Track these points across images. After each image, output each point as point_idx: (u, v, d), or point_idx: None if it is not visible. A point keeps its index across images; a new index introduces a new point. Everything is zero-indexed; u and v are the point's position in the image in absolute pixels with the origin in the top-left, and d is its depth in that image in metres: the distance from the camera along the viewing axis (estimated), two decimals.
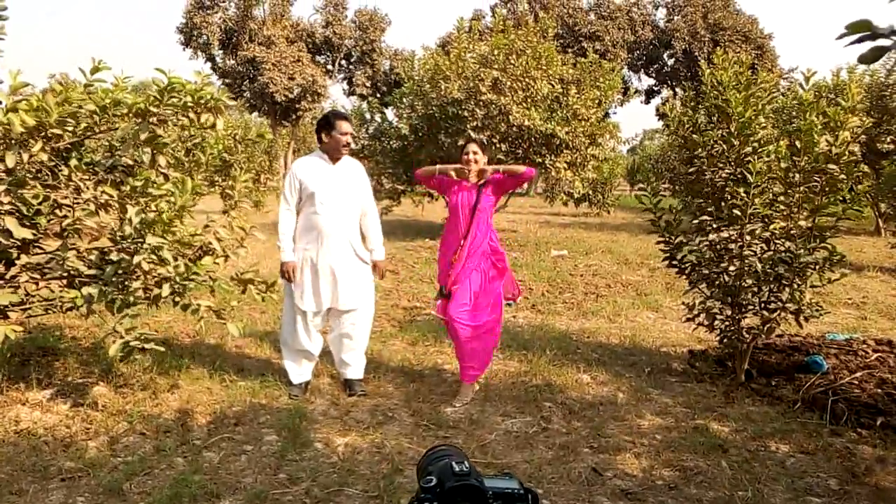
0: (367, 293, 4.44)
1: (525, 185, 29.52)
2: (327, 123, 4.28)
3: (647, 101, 41.74)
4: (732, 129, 4.54)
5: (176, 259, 3.89)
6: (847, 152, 4.38)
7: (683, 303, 4.87)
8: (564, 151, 13.00)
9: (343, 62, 40.71)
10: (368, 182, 4.56)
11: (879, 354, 4.67)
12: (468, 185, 4.37)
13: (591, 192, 18.58)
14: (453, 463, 0.96)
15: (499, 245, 4.42)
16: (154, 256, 3.78)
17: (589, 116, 12.96)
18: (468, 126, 12.04)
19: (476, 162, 4.33)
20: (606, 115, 15.80)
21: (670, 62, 39.61)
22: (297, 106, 36.44)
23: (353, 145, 4.36)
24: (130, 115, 3.99)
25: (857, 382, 4.26)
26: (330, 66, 40.17)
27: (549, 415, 4.10)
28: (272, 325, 5.93)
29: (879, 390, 4.16)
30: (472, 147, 4.38)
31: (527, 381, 4.66)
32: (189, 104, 4.05)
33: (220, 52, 37.62)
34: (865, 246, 12.64)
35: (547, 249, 11.52)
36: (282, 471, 3.30)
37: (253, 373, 4.65)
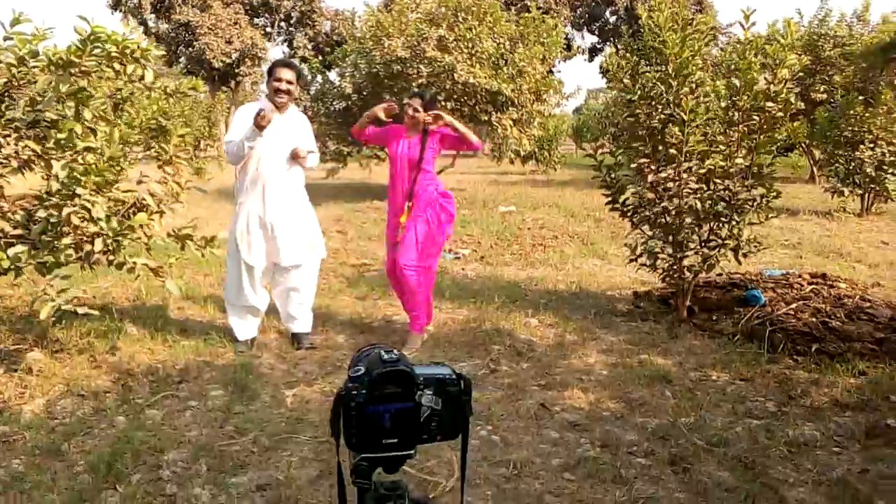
0: (314, 246, 4.35)
1: None
2: (268, 71, 4.20)
3: (591, 59, 41.88)
4: (669, 70, 4.56)
5: (108, 216, 3.73)
6: (785, 90, 4.47)
7: (626, 244, 4.95)
8: (510, 108, 12.95)
9: (282, 24, 39.52)
10: (312, 134, 4.44)
11: (814, 286, 4.85)
12: (410, 136, 4.30)
13: (537, 150, 18.62)
14: (382, 352, 0.93)
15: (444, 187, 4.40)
16: (84, 211, 3.61)
17: (534, 73, 12.91)
18: (413, 84, 11.87)
19: (414, 118, 4.25)
20: (550, 71, 15.79)
21: (612, 19, 39.74)
22: (237, 71, 35.30)
23: (294, 93, 4.20)
24: (51, 66, 3.77)
25: (792, 313, 4.42)
26: (269, 29, 38.94)
27: (498, 357, 4.13)
28: (216, 287, 5.79)
29: (814, 319, 4.32)
30: (415, 102, 4.30)
31: (476, 327, 4.68)
32: (114, 55, 3.85)
33: (153, 16, 36.02)
34: (801, 192, 13.07)
35: (495, 206, 11.54)
36: (229, 423, 3.24)
37: (197, 332, 4.54)
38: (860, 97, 9.94)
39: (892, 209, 10.34)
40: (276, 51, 40.92)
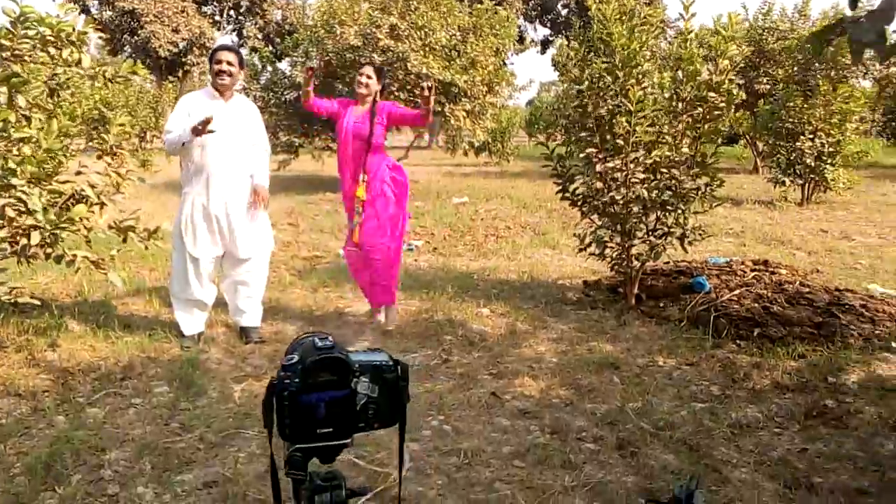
0: (263, 238, 4.27)
1: (426, 137, 29.38)
2: (209, 57, 4.09)
3: (543, 52, 42.20)
4: (617, 62, 4.62)
5: (45, 208, 3.58)
6: (727, 80, 4.57)
7: (576, 234, 5.00)
8: (463, 100, 12.94)
9: (231, 13, 38.65)
10: (262, 123, 4.34)
11: (756, 273, 5.00)
12: (358, 111, 4.28)
13: (490, 142, 18.70)
14: (316, 339, 0.91)
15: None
16: (20, 203, 3.46)
17: (487, 65, 12.92)
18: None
19: (367, 86, 4.23)
20: (504, 63, 15.83)
21: (564, 12, 40.08)
22: (184, 60, 34.41)
23: (236, 76, 4.08)
24: None
25: (736, 299, 4.54)
26: (218, 18, 38.05)
27: (450, 347, 4.14)
28: (162, 281, 5.64)
29: (756, 304, 4.45)
30: (367, 70, 4.28)
31: (428, 317, 4.68)
32: (49, 38, 3.70)
33: (96, 2, 34.79)
34: (745, 183, 13.43)
35: (449, 197, 11.54)
36: (174, 420, 3.17)
37: (141, 328, 4.41)
38: (799, 90, 10.24)
39: (831, 198, 10.71)
40: (225, 40, 40.02)
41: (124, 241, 4.06)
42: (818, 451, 2.89)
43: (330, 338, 0.92)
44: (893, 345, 4.05)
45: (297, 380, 0.88)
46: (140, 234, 4.06)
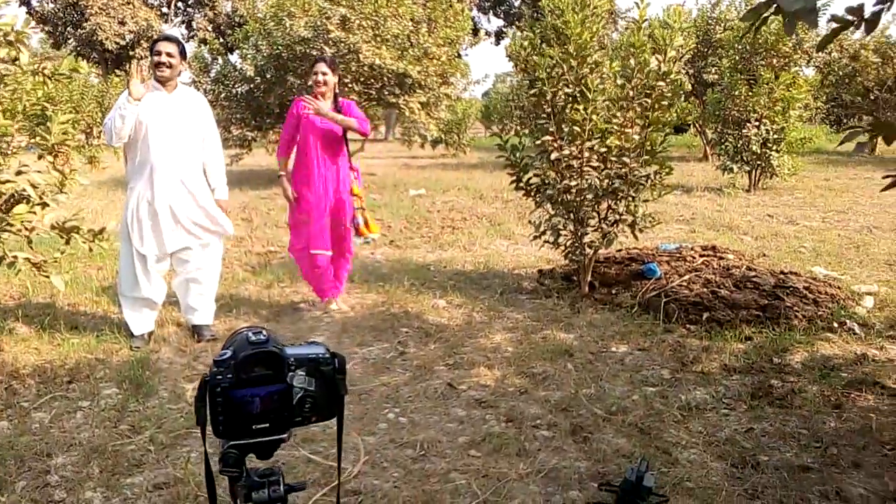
0: (213, 234, 4.17)
1: (383, 130, 29.22)
2: (150, 48, 3.97)
3: (497, 43, 42.30)
4: (571, 50, 4.66)
5: None
6: (674, 70, 4.65)
7: (530, 221, 5.04)
8: (417, 91, 12.90)
9: (180, 4, 37.70)
10: (211, 115, 4.25)
11: (705, 258, 5.12)
12: (319, 119, 4.29)
13: (445, 134, 18.70)
14: (250, 334, 0.90)
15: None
16: None
17: (440, 56, 12.90)
18: None
19: (325, 83, 4.23)
20: (458, 55, 15.83)
21: (517, 3, 40.21)
22: (131, 53, 33.44)
23: (176, 67, 3.97)
24: None
25: (685, 284, 4.64)
26: (165, 10, 37.08)
27: (406, 340, 4.14)
28: (111, 279, 5.50)
29: (705, 289, 4.55)
30: (321, 67, 4.28)
31: (384, 310, 4.67)
32: None
33: None
34: (695, 171, 13.71)
35: (405, 190, 11.52)
36: (123, 422, 3.10)
37: (89, 328, 4.30)
38: (744, 78, 10.49)
39: (777, 184, 11.02)
40: (173, 32, 39.03)
41: (67, 242, 3.94)
42: (764, 430, 2.98)
43: (264, 332, 0.91)
44: (835, 325, 4.19)
45: (229, 375, 0.86)
46: (84, 236, 3.95)
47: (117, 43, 32.41)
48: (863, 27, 2.06)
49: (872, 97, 17.62)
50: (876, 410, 3.12)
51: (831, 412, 3.13)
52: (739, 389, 3.39)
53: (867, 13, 2.05)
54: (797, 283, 4.65)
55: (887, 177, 1.99)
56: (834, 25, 2.13)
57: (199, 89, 13.11)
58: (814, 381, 3.45)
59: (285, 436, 0.93)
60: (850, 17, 2.07)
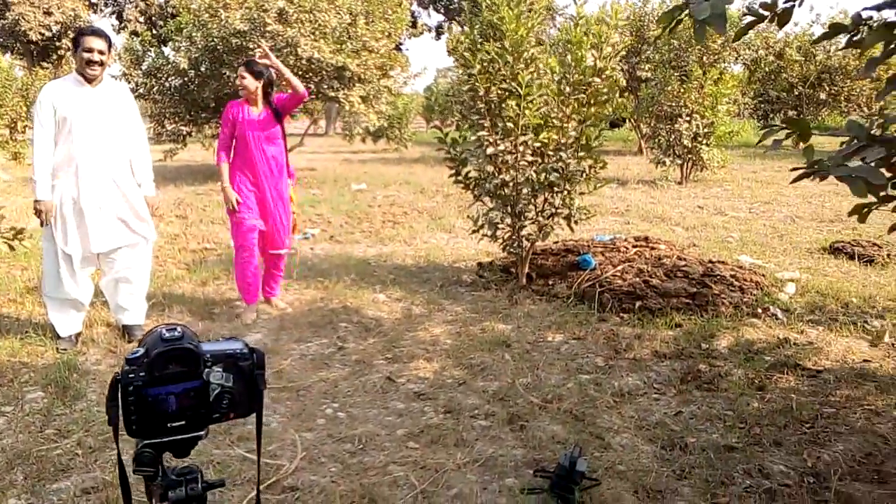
0: (142, 232, 4.04)
1: (323, 125, 28.84)
2: (74, 39, 3.79)
3: (438, 38, 42.34)
4: (506, 45, 4.70)
5: None
6: (610, 67, 4.76)
7: (469, 216, 5.09)
8: (357, 85, 12.79)
9: None
10: (136, 108, 4.10)
11: (637, 249, 5.26)
12: (255, 116, 4.23)
13: (387, 128, 18.63)
14: (163, 330, 0.88)
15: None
16: None
17: (379, 49, 12.82)
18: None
19: (245, 87, 4.22)
20: (398, 48, 15.77)
21: None
22: (58, 45, 32.04)
23: (107, 64, 3.84)
24: None
25: (619, 274, 4.77)
26: (95, 0, 35.65)
27: (346, 335, 4.12)
28: (35, 280, 5.27)
29: (638, 279, 4.69)
30: (240, 70, 4.28)
31: (323, 306, 4.64)
32: None
33: None
34: (630, 164, 14.07)
35: (346, 185, 11.43)
36: (49, 427, 2.99)
37: (12, 331, 4.12)
38: (676, 74, 10.81)
39: (707, 177, 11.40)
40: (103, 23, 37.63)
41: None
42: (692, 413, 3.10)
43: (179, 328, 0.90)
44: (759, 310, 4.38)
45: (142, 373, 0.85)
46: (4, 235, 3.79)
47: (42, 34, 30.98)
48: (776, 21, 2.17)
49: (796, 93, 18.42)
50: (796, 391, 3.28)
51: (755, 394, 3.27)
52: (669, 375, 3.51)
53: (779, 8, 2.16)
54: (724, 271, 4.84)
55: (795, 169, 2.09)
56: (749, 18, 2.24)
57: (130, 83, 12.67)
58: (739, 364, 3.60)
59: (203, 433, 0.93)
60: (763, 12, 2.18)
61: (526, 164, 4.77)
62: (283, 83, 4.29)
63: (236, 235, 4.38)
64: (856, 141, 2.04)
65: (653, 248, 5.32)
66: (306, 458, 2.73)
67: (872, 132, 2.05)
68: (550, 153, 4.80)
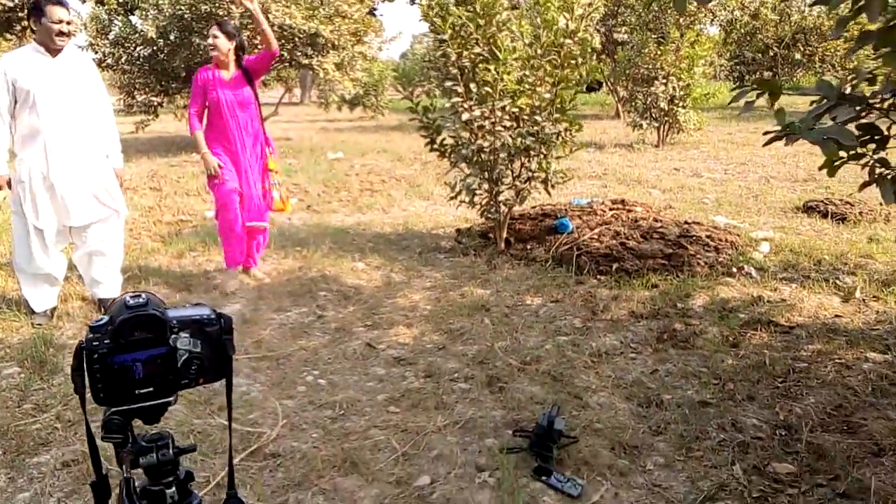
0: (114, 204, 3.97)
1: (298, 94, 28.43)
2: (36, 9, 3.64)
3: (412, 2, 41.63)
4: (477, 9, 4.64)
5: None
6: (582, 28, 4.72)
7: (446, 182, 5.07)
8: (331, 51, 12.59)
9: None
10: (100, 78, 4.00)
11: (614, 212, 5.29)
12: (226, 81, 4.13)
13: (363, 94, 18.40)
14: (128, 298, 0.88)
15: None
16: None
17: (352, 14, 12.59)
18: None
19: (216, 47, 4.09)
20: (371, 12, 15.49)
21: None
22: (20, 15, 31.02)
23: (74, 35, 3.73)
24: None
25: (596, 237, 4.80)
26: None
27: (325, 303, 4.12)
28: (7, 255, 5.19)
29: (614, 241, 4.72)
30: (213, 30, 4.14)
31: (302, 275, 4.62)
32: None
33: None
34: (608, 128, 14.06)
35: (323, 154, 11.30)
36: (27, 402, 2.97)
37: None
38: (653, 36, 10.76)
39: (684, 139, 11.44)
40: None
41: None
42: (668, 371, 3.15)
43: (144, 294, 0.89)
44: (734, 270, 4.44)
45: (107, 341, 0.84)
46: None
47: (4, 4, 29.96)
48: None
49: (772, 54, 18.45)
50: (769, 347, 3.35)
51: (729, 351, 3.33)
52: (646, 334, 3.56)
53: None
54: (700, 232, 4.89)
55: (768, 132, 2.10)
56: None
57: (97, 53, 12.35)
58: (714, 322, 3.66)
59: (172, 399, 0.92)
60: None
61: (503, 129, 4.75)
62: (258, 34, 4.18)
63: (218, 197, 4.28)
64: (826, 100, 2.05)
65: (629, 211, 5.35)
66: (287, 425, 2.74)
67: (844, 91, 2.07)
68: (526, 117, 4.78)
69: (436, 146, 4.97)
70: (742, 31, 18.50)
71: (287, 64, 12.76)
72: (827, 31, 17.43)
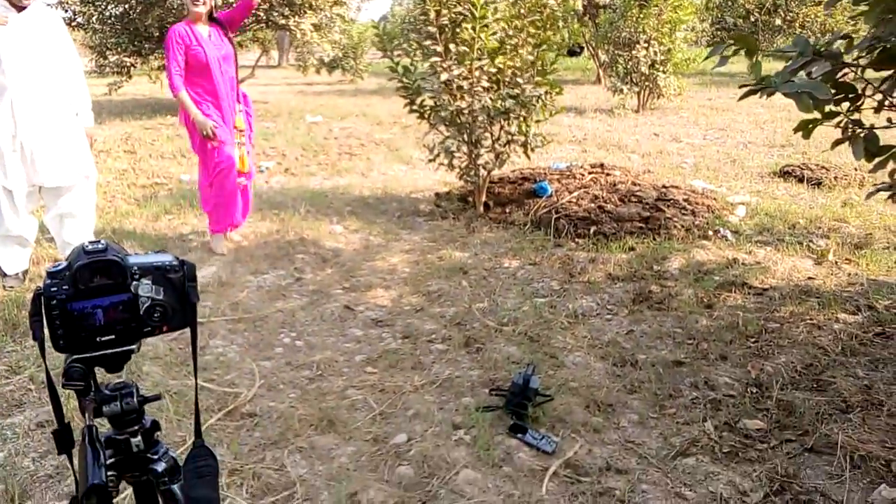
0: (85, 164, 3.87)
1: (275, 56, 27.88)
2: None
3: None
4: None
5: None
6: None
7: (424, 145, 5.03)
8: (308, 12, 12.32)
9: None
10: (68, 34, 3.86)
11: (593, 175, 5.29)
12: (206, 37, 3.99)
13: (341, 57, 18.08)
14: (86, 243, 0.85)
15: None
16: None
17: None
18: None
19: (205, 2, 3.92)
20: None
21: None
22: None
23: None
24: None
25: (574, 201, 4.80)
26: None
27: (303, 266, 4.10)
28: None
29: (593, 205, 4.73)
30: None
31: (279, 238, 4.59)
32: None
33: None
34: (588, 94, 13.97)
35: (301, 117, 11.13)
36: (0, 363, 2.93)
37: None
38: (636, 0, 10.64)
39: (664, 105, 11.41)
40: None
41: None
42: (643, 332, 3.19)
43: (103, 241, 0.86)
44: (710, 233, 4.48)
45: (65, 286, 0.82)
46: None
47: None
48: None
49: (752, 20, 18.39)
50: (743, 308, 3.39)
51: (704, 312, 3.37)
52: (622, 296, 3.59)
53: None
54: (677, 195, 4.91)
55: (743, 86, 2.09)
56: None
57: (66, 11, 11.98)
58: (689, 284, 3.70)
59: (134, 346, 0.91)
60: None
61: (482, 90, 4.70)
62: None
63: (218, 162, 4.11)
64: (801, 56, 2.04)
65: (608, 175, 5.35)
66: (265, 385, 2.74)
67: (819, 49, 2.06)
68: (507, 79, 4.73)
69: (415, 107, 4.91)
70: None
71: (264, 25, 12.48)
72: None
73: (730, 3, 18.48)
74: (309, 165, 7.26)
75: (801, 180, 5.90)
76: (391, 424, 2.45)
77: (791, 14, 18.32)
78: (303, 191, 6.03)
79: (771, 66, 2.02)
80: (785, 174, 6.16)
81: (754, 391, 2.63)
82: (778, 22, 18.34)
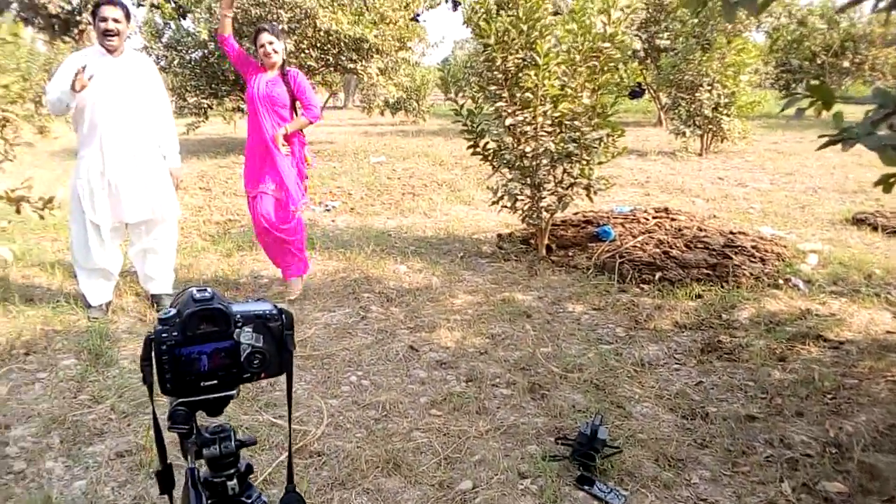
0: (168, 202, 4.08)
1: (342, 98, 28.77)
2: (91, 13, 3.81)
3: (455, 8, 41.81)
4: (520, 14, 4.65)
5: None
6: (620, 31, 4.68)
7: (488, 187, 5.08)
8: (375, 56, 12.73)
9: None
10: (160, 80, 4.11)
11: (657, 220, 5.23)
12: (270, 78, 4.13)
13: (405, 99, 18.52)
14: (194, 291, 0.91)
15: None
16: None
17: (397, 19, 12.72)
18: None
19: (275, 52, 4.07)
20: (415, 18, 15.61)
21: None
22: (78, 19, 32.09)
23: (124, 33, 3.84)
24: None
25: (639, 245, 4.75)
26: None
27: (368, 304, 4.17)
28: (66, 250, 5.38)
29: (657, 250, 4.67)
30: (266, 37, 4.08)
31: (346, 276, 4.68)
32: None
33: None
34: (650, 136, 13.89)
35: (365, 157, 11.42)
36: (83, 392, 3.08)
37: (45, 300, 4.22)
38: (698, 43, 10.59)
39: (728, 148, 11.24)
40: None
41: (17, 211, 3.84)
42: (713, 383, 3.11)
43: (209, 289, 0.92)
44: (781, 282, 4.35)
45: (175, 333, 0.88)
46: (34, 204, 3.85)
47: (62, 7, 31.01)
48: None
49: (819, 62, 18.00)
50: (818, 362, 3.27)
51: (776, 364, 3.27)
52: (690, 345, 3.51)
53: None
54: (745, 242, 4.80)
55: (823, 136, 2.06)
56: None
57: (150, 56, 12.72)
58: (760, 335, 3.59)
59: (234, 392, 0.96)
60: None
61: (545, 134, 4.75)
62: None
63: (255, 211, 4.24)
64: (882, 108, 2.00)
65: (673, 220, 5.28)
66: (332, 424, 2.78)
67: None
68: (567, 123, 4.77)
69: (478, 150, 4.99)
70: (789, 38, 18.08)
71: (332, 69, 12.94)
72: (877, 39, 16.93)
73: (795, 46, 18.16)
74: (373, 205, 7.42)
75: (875, 228, 5.69)
76: (456, 470, 2.45)
77: (860, 56, 17.85)
78: (367, 230, 6.17)
79: (839, 109, 1.99)
80: (858, 221, 5.95)
81: (833, 451, 2.52)
82: (846, 64, 17.89)
